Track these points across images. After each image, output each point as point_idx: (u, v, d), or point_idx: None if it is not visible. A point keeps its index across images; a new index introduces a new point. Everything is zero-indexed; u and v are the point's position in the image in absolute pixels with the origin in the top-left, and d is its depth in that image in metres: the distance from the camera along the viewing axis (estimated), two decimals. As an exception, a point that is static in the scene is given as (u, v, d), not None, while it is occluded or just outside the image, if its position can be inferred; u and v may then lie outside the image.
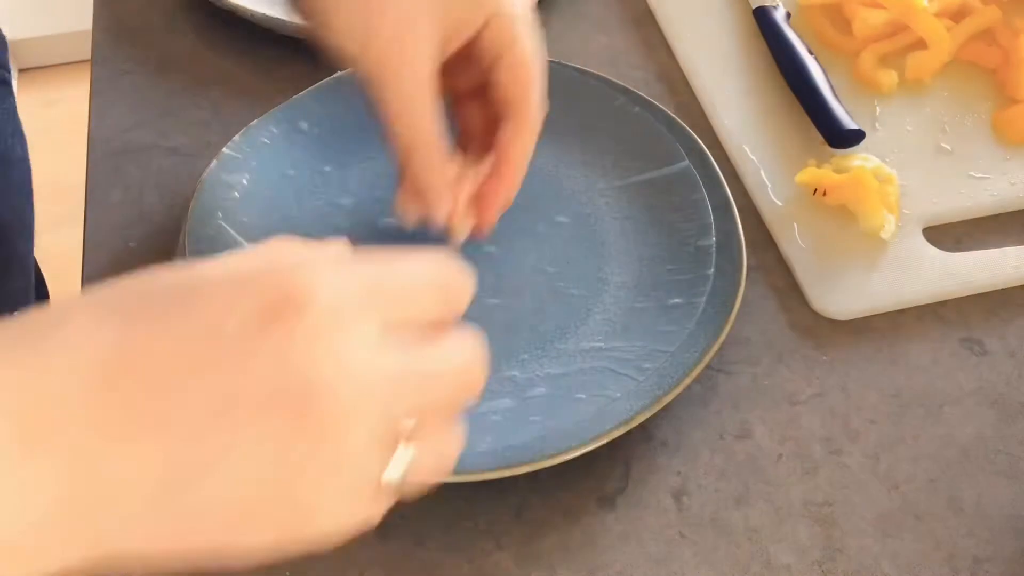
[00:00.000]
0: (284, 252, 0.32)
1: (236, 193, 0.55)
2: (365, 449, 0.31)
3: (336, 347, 0.30)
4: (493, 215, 0.50)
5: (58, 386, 0.28)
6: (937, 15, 0.64)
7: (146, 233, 0.57)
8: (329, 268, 0.31)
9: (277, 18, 0.64)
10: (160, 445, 0.29)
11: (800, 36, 0.63)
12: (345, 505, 0.32)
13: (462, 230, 0.50)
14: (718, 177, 0.55)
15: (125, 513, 0.29)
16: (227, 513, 0.30)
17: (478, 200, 0.49)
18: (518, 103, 0.47)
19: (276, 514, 0.31)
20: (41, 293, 0.79)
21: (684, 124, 0.58)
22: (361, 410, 0.30)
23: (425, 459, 0.33)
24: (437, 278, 0.34)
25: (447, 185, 0.48)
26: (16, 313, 0.30)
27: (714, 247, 0.53)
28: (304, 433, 0.29)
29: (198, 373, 0.29)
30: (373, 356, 0.31)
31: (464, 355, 0.34)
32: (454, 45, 0.45)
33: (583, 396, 0.48)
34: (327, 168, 0.58)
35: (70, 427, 0.28)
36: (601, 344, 0.50)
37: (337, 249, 0.33)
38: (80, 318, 0.30)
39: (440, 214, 0.49)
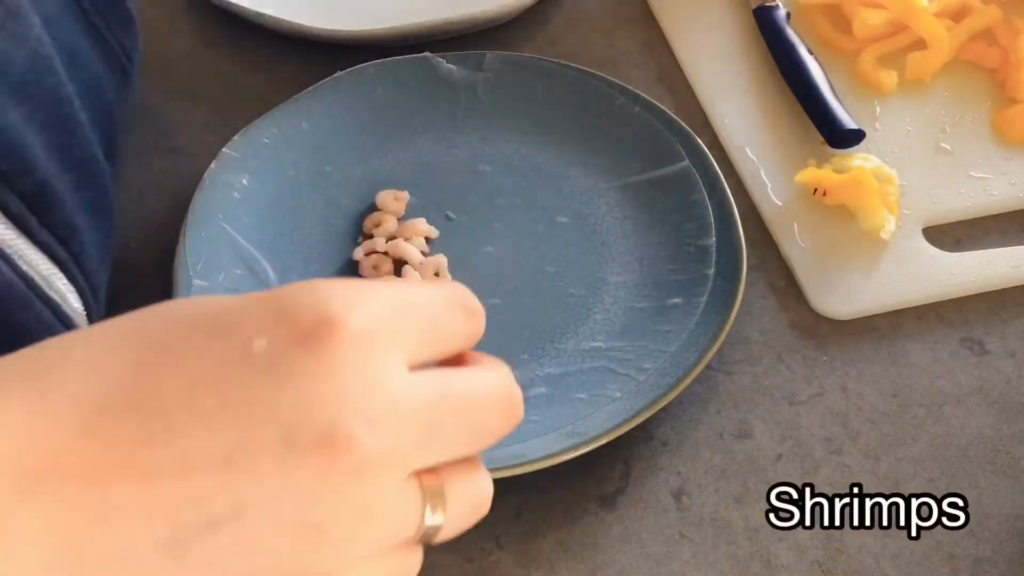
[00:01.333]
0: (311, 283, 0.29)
1: (236, 193, 0.55)
2: (401, 491, 0.28)
3: (371, 372, 0.27)
4: None
5: (56, 428, 0.26)
6: (937, 15, 0.64)
7: (146, 233, 0.57)
8: (358, 290, 0.28)
9: (278, 18, 0.64)
10: (165, 491, 0.26)
11: (800, 36, 0.63)
12: (377, 562, 0.29)
13: None
14: (718, 177, 0.55)
15: (124, 571, 0.26)
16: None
17: None
18: None
19: None
20: None
21: (684, 124, 0.58)
22: (399, 443, 0.27)
23: (462, 503, 0.30)
24: (459, 297, 0.31)
25: None
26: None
27: (714, 247, 0.53)
28: (331, 475, 0.26)
29: (221, 404, 0.26)
30: (409, 380, 0.28)
31: (499, 377, 0.31)
32: None
33: (583, 396, 0.48)
34: (327, 168, 0.58)
35: (68, 473, 0.25)
36: (601, 344, 0.50)
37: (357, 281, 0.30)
38: (90, 346, 0.27)
39: None
